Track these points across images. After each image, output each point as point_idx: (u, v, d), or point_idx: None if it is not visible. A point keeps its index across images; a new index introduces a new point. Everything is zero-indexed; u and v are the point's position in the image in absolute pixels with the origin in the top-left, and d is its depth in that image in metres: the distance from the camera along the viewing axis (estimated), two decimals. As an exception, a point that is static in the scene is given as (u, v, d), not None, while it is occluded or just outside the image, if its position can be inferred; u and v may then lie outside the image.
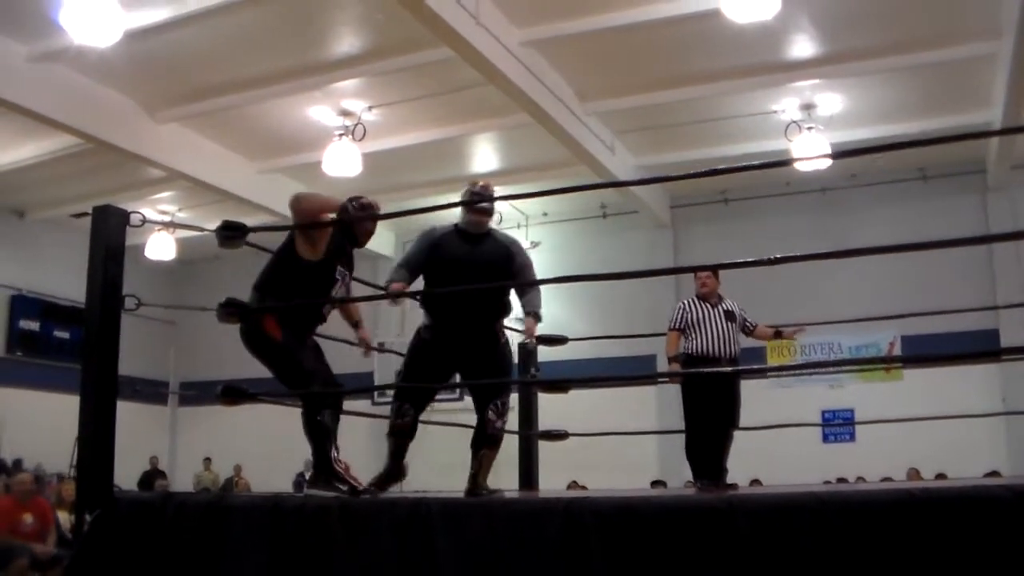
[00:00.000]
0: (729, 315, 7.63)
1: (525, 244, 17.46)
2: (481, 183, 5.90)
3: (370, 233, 5.70)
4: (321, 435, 5.15)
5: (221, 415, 17.35)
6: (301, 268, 5.30)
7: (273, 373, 5.31)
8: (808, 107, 13.26)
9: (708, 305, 7.69)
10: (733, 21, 10.07)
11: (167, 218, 16.72)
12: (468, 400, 12.34)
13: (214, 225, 5.45)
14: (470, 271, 5.52)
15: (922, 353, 14.74)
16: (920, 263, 14.43)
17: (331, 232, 5.42)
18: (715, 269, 7.14)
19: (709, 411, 7.39)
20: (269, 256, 5.66)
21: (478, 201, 5.68)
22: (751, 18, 9.97)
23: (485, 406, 5.54)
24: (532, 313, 5.73)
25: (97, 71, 12.05)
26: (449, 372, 5.79)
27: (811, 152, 12.98)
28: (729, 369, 5.78)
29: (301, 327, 5.35)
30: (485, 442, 5.55)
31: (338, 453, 5.20)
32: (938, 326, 12.98)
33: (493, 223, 5.82)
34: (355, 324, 5.94)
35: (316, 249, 5.34)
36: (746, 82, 12.61)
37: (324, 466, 5.14)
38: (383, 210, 5.99)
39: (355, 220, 5.46)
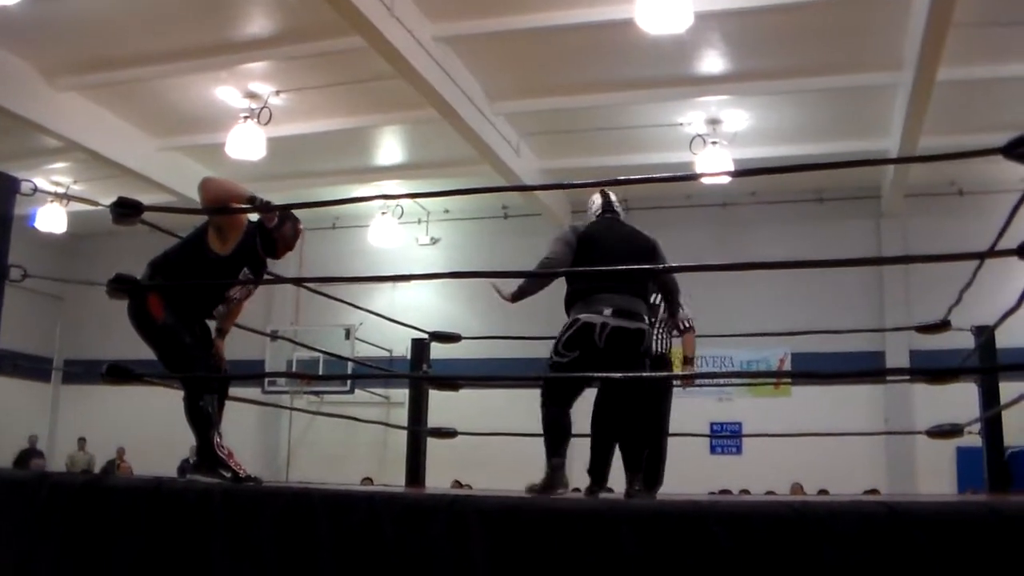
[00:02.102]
0: None
1: (424, 240, 17.59)
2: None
3: (288, 247, 5.55)
4: (203, 421, 5.06)
5: (106, 395, 16.98)
6: (205, 260, 5.19)
7: (156, 354, 5.20)
8: (714, 122, 13.47)
9: None
10: (646, 32, 10.16)
11: (61, 190, 16.28)
12: (358, 393, 12.36)
13: (110, 200, 5.31)
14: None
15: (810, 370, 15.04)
16: (813, 283, 14.80)
17: (244, 231, 5.30)
18: (609, 271, 7.02)
19: (614, 413, 7.34)
20: (167, 237, 5.55)
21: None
22: (664, 30, 10.07)
23: None
24: None
25: (-4, 32, 11.67)
26: None
27: (714, 166, 13.18)
28: (619, 375, 5.77)
29: (187, 315, 5.24)
30: None
31: (221, 439, 5.12)
32: (827, 346, 13.32)
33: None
34: (219, 331, 5.64)
35: (226, 244, 5.23)
36: (655, 93, 12.76)
37: (207, 452, 5.06)
38: (287, 197, 5.89)
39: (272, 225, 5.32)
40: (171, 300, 5.13)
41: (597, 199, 6.09)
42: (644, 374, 5.92)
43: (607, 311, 5.47)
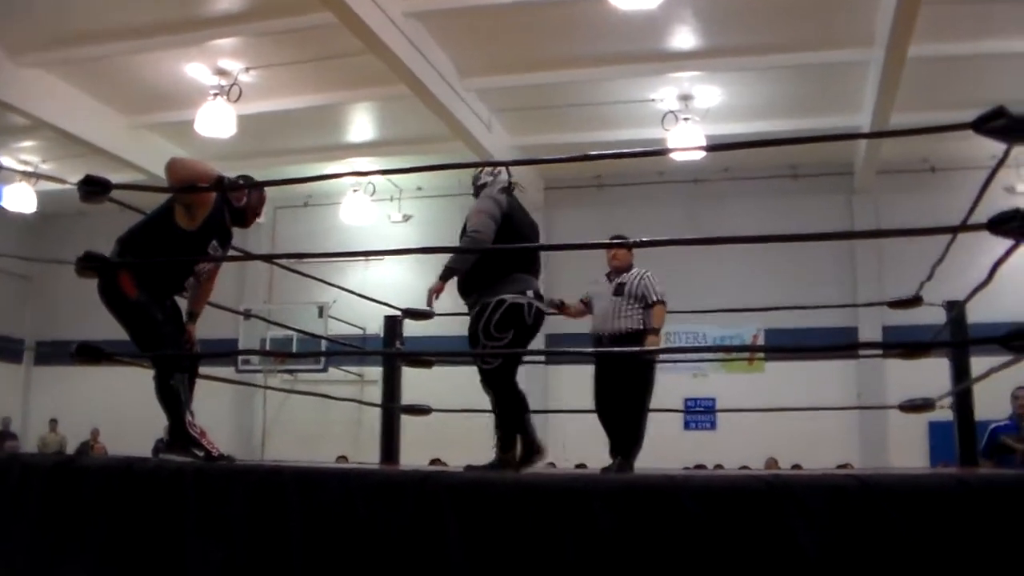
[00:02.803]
0: (618, 289, 7.51)
1: (396, 217, 17.52)
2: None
3: (257, 215, 5.59)
4: (174, 400, 5.04)
5: (79, 375, 16.83)
6: (173, 235, 5.17)
7: (127, 332, 5.17)
8: (686, 98, 13.46)
9: (607, 280, 7.58)
10: (617, 7, 10.13)
11: (29, 168, 16.11)
12: (332, 371, 12.29)
13: (79, 179, 5.25)
14: None
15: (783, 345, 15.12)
16: (786, 259, 14.85)
17: (212, 205, 5.28)
18: (582, 248, 6.97)
19: (599, 391, 7.34)
20: (137, 215, 5.51)
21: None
22: (635, 6, 10.05)
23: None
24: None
25: (-43, 8, 11.51)
26: None
27: (687, 142, 13.19)
28: (588, 351, 5.76)
29: (158, 291, 5.21)
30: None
31: (193, 417, 5.10)
32: (800, 321, 13.38)
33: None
34: (190, 314, 5.63)
35: (194, 220, 5.21)
36: (626, 69, 12.76)
37: (179, 431, 5.04)
38: (258, 175, 5.84)
39: (230, 189, 5.29)
40: (142, 277, 5.10)
41: (503, 174, 5.94)
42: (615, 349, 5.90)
43: (530, 292, 5.53)
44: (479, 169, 5.96)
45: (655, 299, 7.27)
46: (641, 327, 7.22)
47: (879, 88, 11.87)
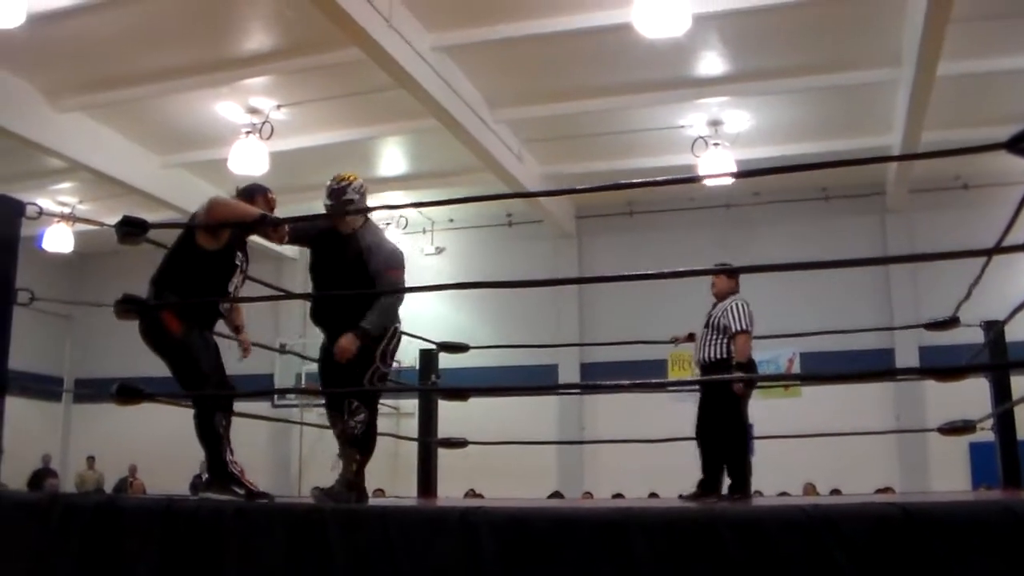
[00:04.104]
0: (707, 321, 7.56)
1: (429, 250, 17.56)
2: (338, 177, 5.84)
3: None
4: (215, 438, 5.06)
5: (116, 413, 16.74)
6: (200, 257, 5.21)
7: (171, 370, 5.20)
8: (715, 123, 13.47)
9: (710, 309, 7.64)
10: (644, 36, 10.15)
11: (66, 210, 16.31)
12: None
13: (116, 219, 5.32)
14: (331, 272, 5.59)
15: (820, 370, 14.97)
16: (820, 281, 14.77)
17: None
18: (617, 280, 7.04)
19: (698, 420, 7.42)
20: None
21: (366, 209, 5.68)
22: (662, 34, 10.05)
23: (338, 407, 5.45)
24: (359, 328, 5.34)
25: (-3, 54, 11.71)
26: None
27: (717, 168, 13.16)
28: (626, 383, 5.77)
29: (201, 320, 5.26)
30: (345, 442, 5.48)
31: (233, 455, 5.12)
32: (836, 344, 13.26)
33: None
34: (236, 328, 5.74)
35: (219, 241, 5.25)
36: (655, 96, 12.77)
37: (219, 469, 5.06)
38: (291, 211, 5.89)
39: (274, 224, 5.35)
40: (184, 312, 5.14)
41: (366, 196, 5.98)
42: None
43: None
44: (346, 184, 5.80)
45: (736, 328, 7.26)
46: (724, 356, 7.24)
47: (909, 107, 11.81)
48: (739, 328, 7.25)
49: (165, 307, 5.10)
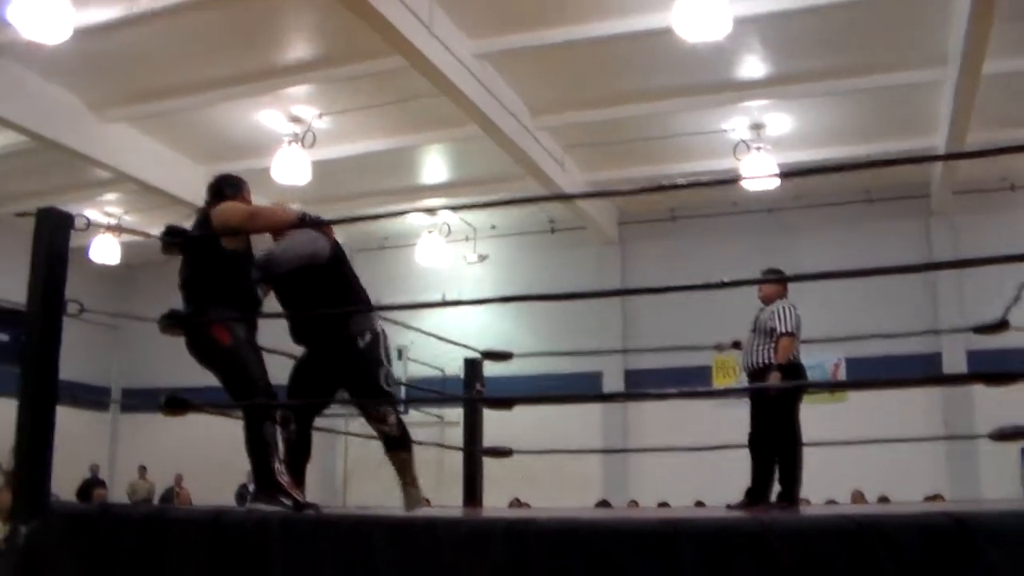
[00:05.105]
0: (754, 324, 7.54)
1: (472, 258, 17.59)
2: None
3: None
4: (263, 448, 5.07)
5: (163, 423, 16.87)
6: (228, 259, 5.23)
7: (221, 380, 5.22)
8: (757, 127, 13.38)
9: (757, 314, 7.62)
10: (685, 40, 10.11)
11: (112, 221, 16.49)
12: (412, 414, 12.25)
13: (161, 229, 5.36)
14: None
15: (866, 375, 14.81)
16: (865, 286, 14.60)
17: None
18: (658, 292, 7.04)
19: (752, 427, 7.40)
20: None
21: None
22: (702, 37, 10.02)
23: (368, 416, 5.49)
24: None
25: (44, 67, 11.87)
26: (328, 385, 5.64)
27: (759, 171, 13.09)
28: (672, 391, 5.73)
29: (250, 324, 5.29)
30: (387, 448, 5.50)
31: (281, 465, 5.13)
32: (882, 349, 13.11)
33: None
34: None
35: (242, 240, 5.30)
36: (696, 100, 12.71)
37: (267, 480, 5.07)
38: (334, 218, 5.92)
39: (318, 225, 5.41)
40: (230, 320, 5.16)
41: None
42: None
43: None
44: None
45: (781, 331, 7.21)
46: (772, 361, 7.20)
47: (954, 107, 11.68)
48: (784, 330, 7.22)
49: (210, 323, 5.12)
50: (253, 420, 5.09)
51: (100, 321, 16.51)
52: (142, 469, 18.74)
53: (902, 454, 12.49)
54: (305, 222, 5.30)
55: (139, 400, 19.11)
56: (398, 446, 5.56)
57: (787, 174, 14.00)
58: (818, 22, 10.74)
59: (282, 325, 5.40)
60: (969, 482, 14.12)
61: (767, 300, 7.51)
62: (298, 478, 5.36)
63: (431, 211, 15.14)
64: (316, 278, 5.42)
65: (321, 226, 5.38)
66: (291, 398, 5.49)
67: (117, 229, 16.30)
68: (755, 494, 7.22)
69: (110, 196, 16.17)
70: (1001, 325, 7.40)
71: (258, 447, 5.09)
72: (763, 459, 7.27)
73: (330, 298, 5.43)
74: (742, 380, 7.88)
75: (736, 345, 7.82)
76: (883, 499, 12.45)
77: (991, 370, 4.64)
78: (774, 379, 7.12)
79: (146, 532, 4.47)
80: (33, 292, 5.09)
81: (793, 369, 7.28)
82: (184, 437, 16.92)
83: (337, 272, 5.55)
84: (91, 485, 17.14)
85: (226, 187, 5.56)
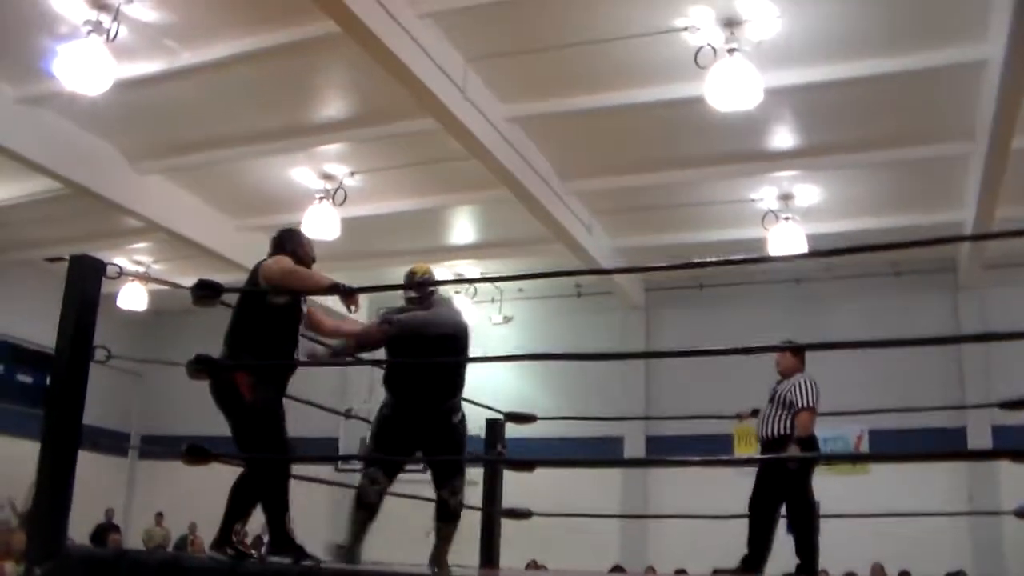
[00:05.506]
0: (772, 396, 7.57)
1: (497, 319, 17.62)
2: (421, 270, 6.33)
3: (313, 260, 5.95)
4: (282, 504, 5.12)
5: (180, 471, 16.78)
6: (271, 312, 5.31)
7: (232, 430, 5.26)
8: (786, 197, 13.37)
9: (775, 385, 7.68)
10: (716, 109, 10.17)
11: (142, 269, 16.62)
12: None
13: (189, 279, 5.44)
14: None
15: (889, 448, 14.70)
16: (890, 358, 14.54)
17: None
18: (686, 355, 7.08)
19: (753, 496, 7.41)
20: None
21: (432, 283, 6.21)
22: (734, 107, 10.07)
23: (443, 484, 5.69)
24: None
25: (83, 118, 12.07)
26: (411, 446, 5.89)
27: (787, 241, 13.09)
28: (693, 459, 5.75)
29: (276, 378, 5.32)
30: (443, 518, 5.72)
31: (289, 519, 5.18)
32: (905, 422, 13.02)
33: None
34: (336, 332, 6.08)
35: (289, 296, 5.37)
36: (726, 170, 12.75)
37: (281, 533, 5.10)
38: (362, 276, 6.02)
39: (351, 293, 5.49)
40: (256, 372, 5.20)
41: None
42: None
43: None
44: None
45: (802, 405, 7.27)
46: (789, 432, 7.24)
47: (982, 182, 11.68)
48: (805, 404, 7.27)
49: (238, 367, 5.17)
50: (265, 476, 5.12)
51: (123, 367, 16.59)
52: (159, 516, 18.72)
53: (925, 528, 12.35)
54: (338, 289, 5.38)
55: (158, 447, 19.15)
56: (453, 519, 5.92)
57: (812, 254, 13.89)
58: (849, 94, 10.78)
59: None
60: (993, 558, 13.90)
61: (786, 373, 7.57)
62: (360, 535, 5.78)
63: (458, 280, 15.19)
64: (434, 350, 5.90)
65: (351, 294, 5.46)
66: (378, 452, 5.89)
67: (147, 278, 16.44)
68: (750, 563, 7.22)
69: (140, 245, 16.33)
70: (1026, 402, 7.36)
71: (277, 502, 5.13)
72: (762, 527, 7.27)
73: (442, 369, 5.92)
74: (758, 450, 7.88)
75: (754, 414, 7.84)
76: (904, 574, 12.32)
77: (1017, 446, 4.62)
78: (793, 451, 7.12)
79: (162, 579, 4.48)
80: (63, 337, 5.16)
81: (809, 441, 7.30)
82: (200, 486, 16.84)
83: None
84: (105, 530, 17.19)
85: (286, 241, 5.73)
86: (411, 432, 5.78)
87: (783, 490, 7.19)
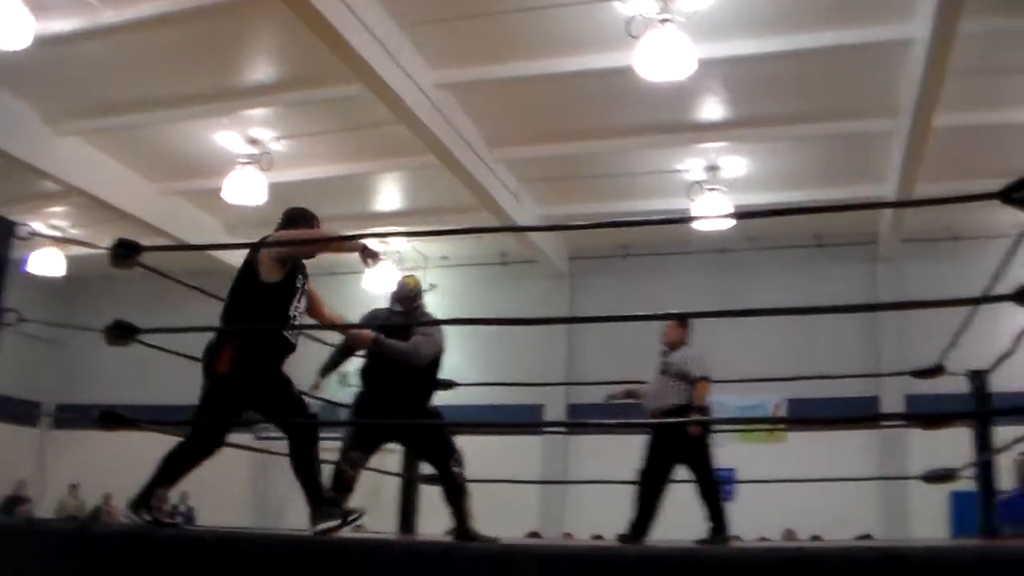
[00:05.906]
0: (664, 367, 7.67)
1: (423, 286, 17.52)
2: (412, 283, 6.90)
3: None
4: (316, 470, 5.15)
5: (96, 440, 16.69)
6: (263, 291, 5.22)
7: (201, 401, 5.16)
8: (713, 168, 13.50)
9: (662, 357, 7.78)
10: (647, 79, 10.17)
11: (58, 233, 16.24)
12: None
13: (109, 243, 5.30)
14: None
15: (806, 416, 14.94)
16: (809, 328, 14.71)
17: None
18: (603, 321, 7.13)
19: (648, 466, 7.51)
20: (165, 281, 5.56)
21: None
22: (665, 77, 10.08)
23: (445, 458, 6.28)
24: None
25: (-1, 76, 11.75)
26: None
27: (712, 212, 13.19)
28: (607, 422, 5.83)
29: (271, 357, 5.23)
30: (454, 494, 6.29)
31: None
32: (823, 391, 13.20)
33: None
34: (330, 322, 6.20)
35: (283, 271, 5.31)
36: (654, 139, 12.83)
37: (320, 498, 5.16)
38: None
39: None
40: (253, 352, 5.11)
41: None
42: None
43: None
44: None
45: (698, 375, 7.42)
46: (685, 403, 7.37)
47: (904, 157, 11.92)
48: (699, 375, 7.44)
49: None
50: (305, 442, 5.26)
51: (37, 334, 16.21)
52: (73, 487, 18.34)
53: (837, 495, 12.56)
54: (365, 249, 5.76)
55: (75, 415, 18.75)
56: (464, 491, 6.40)
57: (738, 215, 14.12)
58: (778, 69, 10.90)
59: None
60: (900, 524, 14.25)
61: (673, 346, 7.74)
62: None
63: (383, 237, 15.08)
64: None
65: (376, 256, 5.88)
66: (361, 438, 6.31)
67: (63, 241, 16.03)
68: (640, 528, 7.40)
69: (57, 209, 15.86)
70: (937, 370, 7.54)
71: (311, 469, 5.16)
72: (653, 495, 7.46)
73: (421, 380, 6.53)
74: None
75: (629, 395, 8.03)
76: (815, 538, 12.56)
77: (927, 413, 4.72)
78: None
79: (70, 548, 4.40)
80: (-32, 297, 5.02)
81: (705, 410, 7.49)
82: (115, 455, 16.66)
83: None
84: (15, 501, 16.90)
85: (299, 218, 5.67)
86: (388, 416, 5.93)
87: (683, 459, 7.37)
